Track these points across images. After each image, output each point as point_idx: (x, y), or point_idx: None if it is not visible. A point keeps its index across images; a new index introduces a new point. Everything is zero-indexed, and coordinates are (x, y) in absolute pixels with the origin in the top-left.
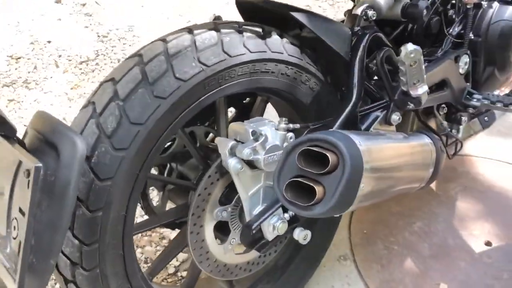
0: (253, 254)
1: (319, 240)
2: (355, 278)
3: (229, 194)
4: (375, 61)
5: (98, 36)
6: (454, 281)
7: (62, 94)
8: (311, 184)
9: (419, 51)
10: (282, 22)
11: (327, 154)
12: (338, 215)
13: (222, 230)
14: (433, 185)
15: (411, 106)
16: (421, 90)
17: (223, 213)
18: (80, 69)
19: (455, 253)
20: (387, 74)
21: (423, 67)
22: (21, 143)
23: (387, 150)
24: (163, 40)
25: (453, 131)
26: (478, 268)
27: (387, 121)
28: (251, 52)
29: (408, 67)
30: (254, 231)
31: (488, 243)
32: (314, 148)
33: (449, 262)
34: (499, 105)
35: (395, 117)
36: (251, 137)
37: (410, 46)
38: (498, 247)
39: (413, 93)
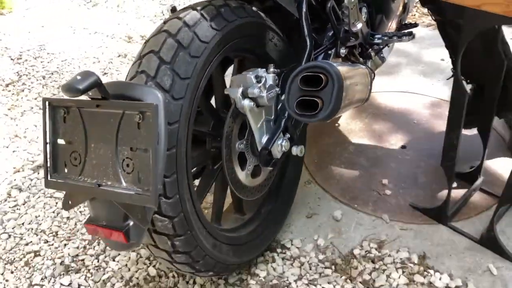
0: (261, 178)
1: (293, 168)
2: (322, 193)
3: (242, 130)
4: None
5: (12, 59)
6: (391, 176)
7: (3, 116)
8: (315, 99)
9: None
10: None
11: (321, 76)
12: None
13: (241, 160)
14: (351, 117)
15: (352, 40)
16: (359, 25)
17: (241, 145)
18: (9, 91)
19: (385, 159)
20: (334, 19)
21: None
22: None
23: (351, 71)
24: (178, 18)
25: (368, 63)
26: (403, 164)
27: (337, 55)
28: (240, 17)
29: (350, 10)
30: (269, 152)
31: (403, 147)
32: (310, 74)
33: (383, 165)
34: (394, 38)
35: (343, 50)
36: (254, 81)
37: None
38: (411, 147)
39: (353, 29)
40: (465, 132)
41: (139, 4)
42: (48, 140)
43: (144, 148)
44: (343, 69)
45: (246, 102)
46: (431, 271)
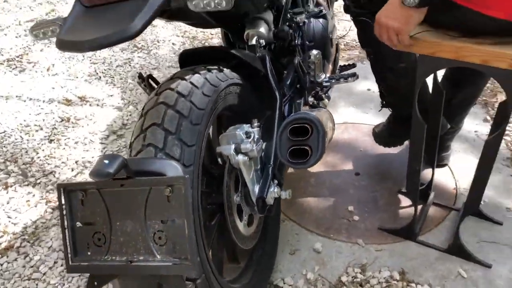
0: (255, 226)
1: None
2: (298, 228)
3: (237, 183)
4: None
5: None
6: (354, 202)
7: None
8: (305, 147)
9: (320, 53)
10: (218, 59)
11: (307, 126)
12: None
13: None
14: None
15: (317, 89)
16: (323, 76)
17: (237, 198)
18: None
19: (344, 186)
20: (300, 73)
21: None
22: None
23: (323, 117)
24: (171, 89)
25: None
26: (361, 189)
27: (305, 103)
28: (223, 81)
29: (315, 64)
30: (265, 201)
31: (357, 174)
32: (296, 125)
33: (344, 193)
34: (341, 80)
35: (311, 99)
36: (244, 137)
37: (315, 51)
38: (363, 173)
39: (318, 80)
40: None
41: (69, 65)
42: (66, 225)
43: (176, 218)
44: (319, 116)
45: (241, 157)
46: (413, 285)
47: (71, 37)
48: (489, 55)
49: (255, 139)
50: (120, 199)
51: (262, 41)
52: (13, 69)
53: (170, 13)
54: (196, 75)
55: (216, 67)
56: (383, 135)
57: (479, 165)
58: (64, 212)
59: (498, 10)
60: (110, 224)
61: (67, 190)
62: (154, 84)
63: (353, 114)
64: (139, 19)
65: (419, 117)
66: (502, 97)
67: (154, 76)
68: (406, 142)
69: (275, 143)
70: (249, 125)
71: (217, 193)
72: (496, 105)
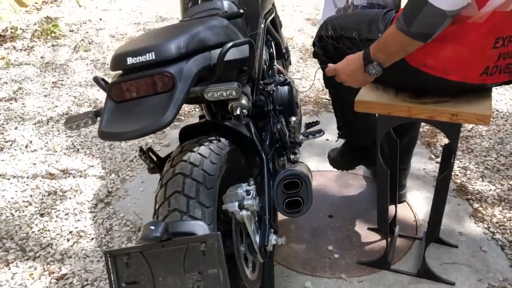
0: (257, 271)
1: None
2: (287, 271)
3: (241, 235)
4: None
5: None
6: (332, 242)
7: None
8: (298, 199)
9: (298, 118)
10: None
11: (297, 180)
12: None
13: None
14: None
15: (297, 148)
16: (301, 137)
17: (243, 248)
18: None
19: (321, 228)
20: (282, 135)
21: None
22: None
23: (307, 171)
24: (184, 160)
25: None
26: (336, 230)
27: (289, 160)
28: (223, 149)
29: (295, 127)
30: (266, 248)
31: (330, 216)
32: (288, 181)
33: (322, 234)
34: (310, 136)
35: (292, 156)
36: (245, 194)
37: (294, 118)
38: (336, 215)
39: (298, 140)
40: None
41: (46, 141)
42: (113, 287)
43: (212, 269)
44: (304, 170)
45: (244, 213)
46: None
47: (112, 129)
48: (434, 112)
49: (254, 195)
50: (161, 258)
51: (245, 111)
52: None
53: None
54: (202, 147)
55: (215, 138)
56: (338, 160)
57: (434, 201)
58: (112, 276)
59: (456, 74)
60: (154, 281)
61: (113, 255)
62: (153, 157)
63: (318, 163)
64: (170, 111)
65: (383, 164)
66: (441, 137)
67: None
68: (362, 182)
69: (271, 197)
70: (246, 183)
71: (224, 246)
72: (438, 144)
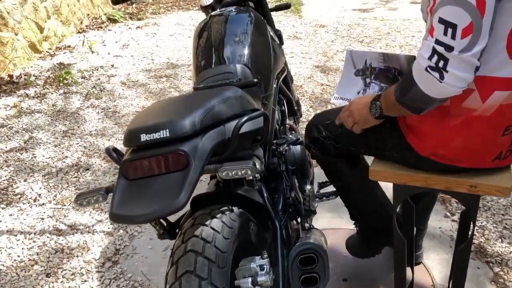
0: None
1: None
2: None
3: None
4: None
5: None
6: None
7: None
8: (314, 275)
9: (313, 187)
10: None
11: (313, 255)
12: None
13: None
14: None
15: (311, 215)
16: (315, 204)
17: None
18: None
19: None
20: (297, 203)
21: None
22: None
23: (322, 240)
24: (196, 236)
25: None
26: None
27: (303, 228)
28: (235, 221)
29: (310, 195)
30: None
31: (344, 279)
32: (304, 256)
33: None
34: (324, 198)
35: (307, 224)
36: (258, 269)
37: (309, 186)
38: (350, 278)
39: (312, 208)
40: None
41: (55, 194)
42: None
43: None
44: (319, 242)
45: None
46: None
47: (124, 211)
48: (451, 183)
49: (268, 270)
50: None
51: (257, 175)
52: (0, 202)
53: None
54: (214, 219)
55: (227, 208)
56: (357, 247)
57: (455, 273)
58: None
59: (468, 162)
60: None
61: None
62: (164, 222)
63: (330, 219)
64: (184, 194)
65: (400, 234)
66: None
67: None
68: None
69: (285, 269)
70: (259, 257)
71: None
72: (453, 200)
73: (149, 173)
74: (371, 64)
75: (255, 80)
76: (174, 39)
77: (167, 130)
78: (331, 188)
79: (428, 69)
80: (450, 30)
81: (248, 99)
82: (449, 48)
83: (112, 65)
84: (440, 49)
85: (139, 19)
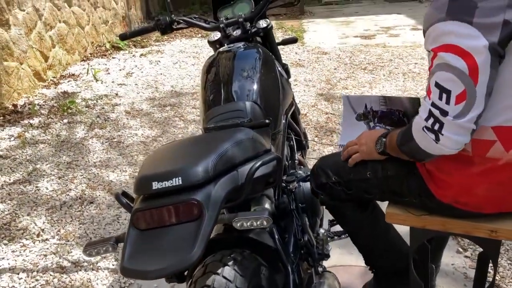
0: None
1: None
2: None
3: None
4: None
5: None
6: None
7: None
8: None
9: (326, 230)
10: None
11: None
12: None
13: None
14: None
15: (325, 258)
16: (329, 247)
17: None
18: None
19: None
20: (309, 245)
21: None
22: None
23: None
24: (208, 286)
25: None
26: None
27: (316, 272)
28: (248, 269)
29: (324, 239)
30: None
31: None
32: None
33: None
34: (336, 237)
35: (320, 269)
36: None
37: (322, 230)
38: None
39: (326, 252)
40: None
41: (58, 228)
42: None
43: None
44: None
45: None
46: None
47: (136, 266)
48: (470, 228)
49: None
50: None
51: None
52: (3, 238)
53: None
54: (226, 268)
55: (238, 253)
56: None
57: None
58: None
59: (491, 208)
60: None
61: None
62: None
63: (340, 256)
64: (198, 247)
65: (417, 278)
66: None
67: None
68: None
69: None
70: None
71: None
72: None
73: (161, 223)
74: (372, 107)
75: (267, 121)
76: (178, 66)
77: (180, 178)
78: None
79: (425, 129)
80: (444, 95)
81: (261, 140)
82: (444, 113)
83: (116, 94)
84: (436, 112)
85: (142, 47)
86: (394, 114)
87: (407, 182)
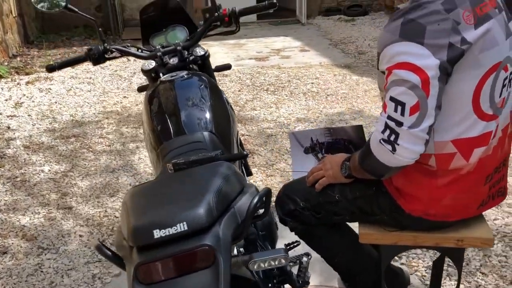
0: None
1: None
2: None
3: None
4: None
5: None
6: None
7: None
8: None
9: (310, 256)
10: None
11: None
12: None
13: None
14: None
15: (306, 286)
16: (309, 274)
17: None
18: None
19: None
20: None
21: None
22: None
23: None
24: None
25: None
26: None
27: None
28: None
29: (306, 268)
30: None
31: None
32: None
33: None
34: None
35: None
36: None
37: (305, 258)
38: None
39: (307, 279)
40: None
41: None
42: None
43: None
44: None
45: None
46: None
47: None
48: (440, 239)
49: None
50: None
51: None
52: None
53: None
54: None
55: None
56: None
57: None
58: None
59: (457, 216)
60: None
61: None
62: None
63: (319, 276)
64: None
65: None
66: None
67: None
68: None
69: None
70: None
71: None
72: None
73: (172, 275)
74: (318, 139)
75: (245, 153)
76: (72, 93)
77: (184, 223)
78: (301, 248)
79: (382, 141)
80: (399, 107)
81: (240, 172)
82: (399, 124)
83: (8, 127)
84: (391, 124)
85: (27, 74)
86: (339, 143)
87: (377, 201)
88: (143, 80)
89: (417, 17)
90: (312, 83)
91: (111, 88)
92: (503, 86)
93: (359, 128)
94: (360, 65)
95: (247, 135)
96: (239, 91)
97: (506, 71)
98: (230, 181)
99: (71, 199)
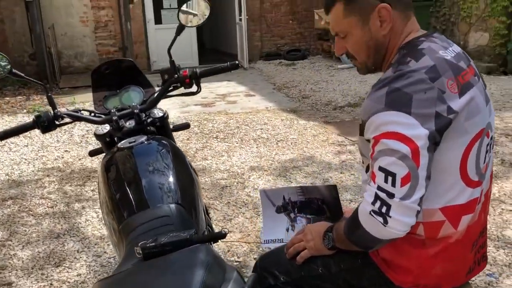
0: None
1: None
2: None
3: None
4: None
5: None
6: None
7: None
8: None
9: None
10: None
11: None
12: None
13: None
14: None
15: None
16: None
17: None
18: None
19: None
20: None
21: None
22: None
23: None
24: None
25: None
26: None
27: None
28: None
29: None
30: None
31: None
32: None
33: None
34: None
35: None
36: None
37: None
38: None
39: None
40: None
41: None
42: None
43: None
44: None
45: None
46: None
47: None
48: None
49: None
50: None
51: None
52: None
53: None
54: None
55: None
56: None
57: None
58: None
59: (447, 285)
60: None
61: None
62: None
63: None
64: None
65: None
66: None
67: None
68: None
69: None
70: None
71: None
72: None
73: None
74: (291, 198)
75: (223, 232)
76: (7, 149)
77: None
78: None
79: (372, 213)
80: (390, 178)
81: (219, 255)
82: (391, 195)
83: None
84: (382, 195)
85: None
86: (313, 202)
87: (364, 273)
88: (84, 131)
89: (402, 86)
90: (261, 129)
91: (51, 141)
92: (486, 151)
93: (333, 188)
94: (306, 109)
95: (202, 187)
96: (187, 139)
97: (488, 137)
98: (212, 269)
99: (10, 273)
